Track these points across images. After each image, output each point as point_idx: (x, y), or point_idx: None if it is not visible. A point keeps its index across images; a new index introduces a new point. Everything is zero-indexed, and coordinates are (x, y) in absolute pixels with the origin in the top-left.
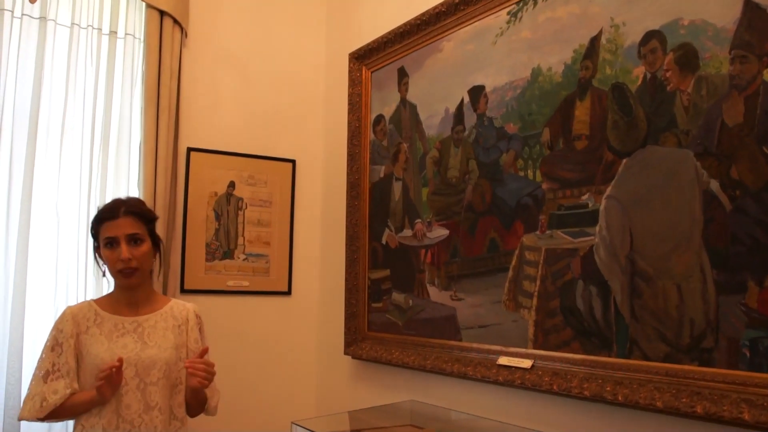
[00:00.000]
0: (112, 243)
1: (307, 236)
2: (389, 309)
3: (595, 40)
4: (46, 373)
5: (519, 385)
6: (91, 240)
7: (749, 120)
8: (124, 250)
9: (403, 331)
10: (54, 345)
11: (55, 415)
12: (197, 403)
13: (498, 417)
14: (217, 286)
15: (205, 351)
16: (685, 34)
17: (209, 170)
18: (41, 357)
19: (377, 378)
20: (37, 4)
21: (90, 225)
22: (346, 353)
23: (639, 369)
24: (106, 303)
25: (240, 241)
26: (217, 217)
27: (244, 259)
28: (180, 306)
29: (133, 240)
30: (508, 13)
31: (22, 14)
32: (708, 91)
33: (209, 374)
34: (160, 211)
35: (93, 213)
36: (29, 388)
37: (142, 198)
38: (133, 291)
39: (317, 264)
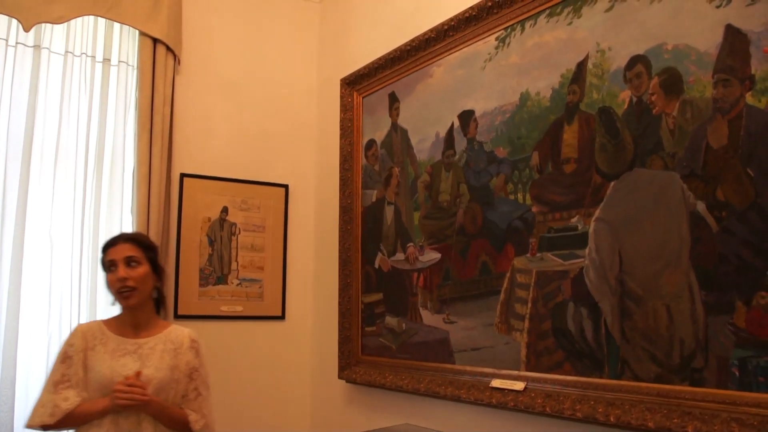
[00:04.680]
0: (111, 266)
1: (301, 261)
2: (383, 333)
3: (581, 65)
4: (56, 383)
5: (512, 407)
6: (85, 265)
7: (733, 142)
8: (121, 270)
9: (396, 355)
10: (64, 357)
11: (64, 422)
12: (168, 422)
13: None
14: (211, 311)
15: (138, 374)
16: (669, 59)
17: (202, 196)
18: (51, 370)
19: (371, 402)
20: (32, 32)
21: (100, 260)
22: (340, 377)
23: (630, 390)
24: (112, 324)
25: (233, 266)
26: (211, 243)
27: (237, 284)
28: (178, 331)
29: (130, 262)
30: (497, 39)
31: (17, 42)
32: (693, 114)
33: (131, 396)
34: (153, 237)
35: (86, 239)
36: (39, 397)
37: (135, 224)
38: (135, 313)
39: (311, 288)
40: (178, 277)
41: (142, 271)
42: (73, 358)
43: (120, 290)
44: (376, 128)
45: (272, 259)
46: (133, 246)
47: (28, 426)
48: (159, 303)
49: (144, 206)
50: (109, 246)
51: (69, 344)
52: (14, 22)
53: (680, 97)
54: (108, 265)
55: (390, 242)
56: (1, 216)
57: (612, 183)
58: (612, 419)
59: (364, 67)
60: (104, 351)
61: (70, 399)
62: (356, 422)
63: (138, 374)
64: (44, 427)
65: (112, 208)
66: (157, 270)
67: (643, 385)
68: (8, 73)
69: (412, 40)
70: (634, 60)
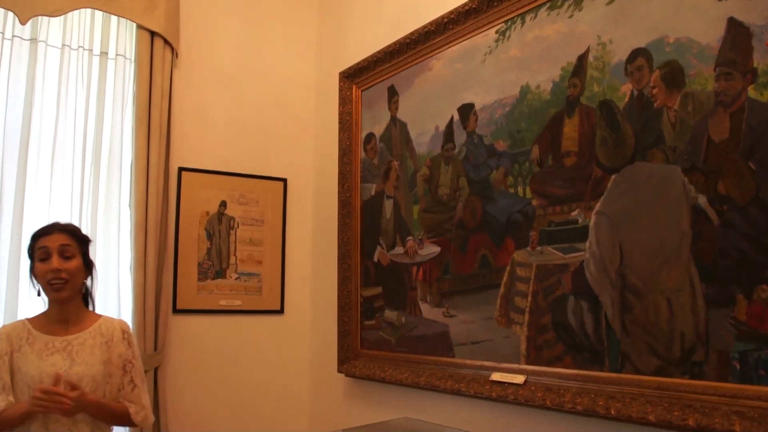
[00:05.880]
0: (44, 255)
1: (300, 255)
2: (382, 326)
3: (582, 58)
4: None
5: (512, 400)
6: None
7: (735, 136)
8: (55, 261)
9: (396, 349)
10: None
11: None
12: (107, 417)
13: None
14: (210, 305)
15: (57, 378)
16: (670, 52)
17: (200, 190)
18: None
19: (371, 396)
20: (28, 25)
21: (27, 247)
22: (339, 371)
23: (631, 383)
24: (38, 322)
25: (232, 260)
26: (209, 237)
27: (236, 279)
28: (108, 322)
29: (65, 253)
30: (497, 32)
31: (13, 36)
32: (694, 108)
33: (48, 405)
34: (151, 231)
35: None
36: None
37: (133, 218)
38: (63, 307)
39: (309, 282)
40: (177, 272)
41: (76, 264)
42: None
43: (51, 281)
44: (375, 122)
45: (271, 253)
46: (69, 237)
47: None
48: (87, 297)
49: (142, 200)
50: (42, 234)
51: None
52: (10, 14)
53: (682, 90)
54: (39, 254)
55: (389, 236)
56: None
57: (612, 176)
58: (612, 412)
59: (363, 61)
60: (31, 351)
61: None
62: (355, 416)
63: (58, 378)
64: None
65: (109, 202)
66: (88, 264)
67: (644, 378)
68: (5, 67)
69: (412, 33)
70: (636, 53)
